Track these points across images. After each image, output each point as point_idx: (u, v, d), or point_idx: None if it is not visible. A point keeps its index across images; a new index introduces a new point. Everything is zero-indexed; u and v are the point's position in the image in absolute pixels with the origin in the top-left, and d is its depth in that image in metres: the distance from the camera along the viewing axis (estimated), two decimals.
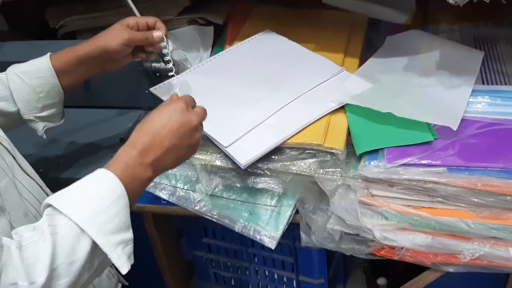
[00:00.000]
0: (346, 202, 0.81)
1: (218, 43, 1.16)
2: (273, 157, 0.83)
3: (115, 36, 0.80)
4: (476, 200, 0.75)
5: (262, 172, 0.83)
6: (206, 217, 0.88)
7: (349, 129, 0.86)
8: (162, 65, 1.01)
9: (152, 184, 0.91)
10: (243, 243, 1.07)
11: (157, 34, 0.82)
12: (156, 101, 1.03)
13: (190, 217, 1.00)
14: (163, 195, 0.90)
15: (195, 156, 0.83)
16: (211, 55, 1.13)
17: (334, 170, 0.82)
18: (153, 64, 1.02)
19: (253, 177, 0.84)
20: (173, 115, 0.65)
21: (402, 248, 0.78)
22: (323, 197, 0.84)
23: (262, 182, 0.84)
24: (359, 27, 1.13)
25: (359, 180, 0.81)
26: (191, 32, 1.15)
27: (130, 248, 0.58)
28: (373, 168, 0.79)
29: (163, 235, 1.11)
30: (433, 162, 0.77)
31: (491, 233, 0.74)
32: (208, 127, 0.77)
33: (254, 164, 0.82)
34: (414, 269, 0.84)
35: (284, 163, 0.82)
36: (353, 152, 0.84)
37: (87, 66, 0.82)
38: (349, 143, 0.85)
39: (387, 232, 0.78)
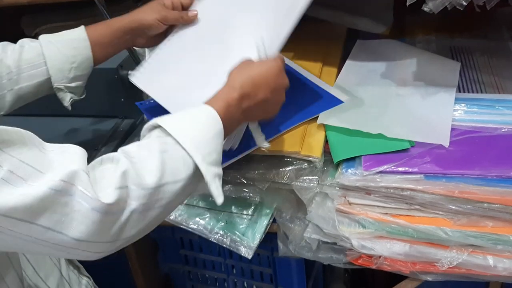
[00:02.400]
0: (324, 211, 0.80)
1: None
2: (249, 165, 0.81)
3: (151, 12, 0.83)
4: (453, 207, 0.74)
5: (239, 181, 0.81)
6: (182, 227, 0.86)
7: (327, 137, 0.86)
8: None
9: None
10: (221, 254, 1.05)
11: (192, 13, 0.85)
12: (132, 110, 1.02)
13: (166, 228, 0.98)
14: None
15: None
16: None
17: (311, 178, 0.81)
18: (129, 72, 1.00)
19: (229, 185, 0.83)
20: (273, 70, 0.69)
21: (380, 256, 0.77)
22: (301, 205, 0.83)
23: (239, 191, 0.83)
24: (338, 37, 1.14)
25: (337, 188, 0.80)
26: None
27: (221, 182, 0.61)
28: (350, 175, 0.78)
29: (138, 248, 1.09)
30: (410, 170, 0.76)
31: (469, 241, 0.73)
32: None
33: (230, 173, 0.80)
34: (394, 280, 0.83)
35: (261, 171, 0.81)
36: (330, 160, 0.83)
37: (120, 40, 0.84)
38: (327, 151, 0.85)
39: (364, 240, 0.77)
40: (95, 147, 0.98)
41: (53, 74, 0.80)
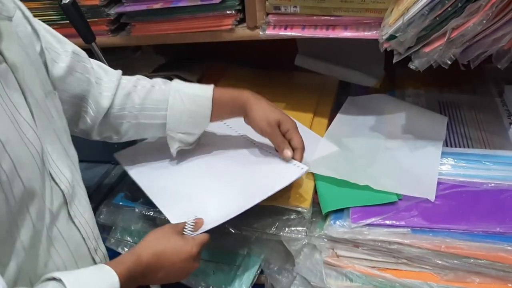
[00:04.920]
0: (311, 263, 0.80)
1: None
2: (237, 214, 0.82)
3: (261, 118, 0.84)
4: (440, 262, 0.74)
5: (226, 230, 0.81)
6: None
7: (316, 187, 0.86)
8: None
9: (113, 241, 0.89)
10: None
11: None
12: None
13: None
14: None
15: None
16: None
17: (299, 229, 0.81)
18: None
19: (217, 235, 0.83)
20: (186, 256, 0.70)
21: None
22: (289, 257, 0.82)
23: (226, 241, 0.83)
24: (330, 89, 1.16)
25: (325, 239, 0.80)
26: None
27: None
28: (338, 227, 0.78)
29: None
30: (397, 223, 0.77)
31: None
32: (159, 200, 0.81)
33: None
34: None
35: (249, 221, 0.81)
36: (319, 211, 0.83)
37: (237, 113, 0.86)
38: (316, 202, 0.85)
39: None
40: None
41: (169, 121, 0.83)
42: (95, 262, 0.69)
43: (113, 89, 0.82)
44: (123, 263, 0.64)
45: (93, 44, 0.95)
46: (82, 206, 0.69)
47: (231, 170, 0.86)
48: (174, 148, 0.86)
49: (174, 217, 0.78)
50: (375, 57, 1.18)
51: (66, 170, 0.66)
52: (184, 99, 0.83)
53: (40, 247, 0.59)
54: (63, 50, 0.76)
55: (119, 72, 0.86)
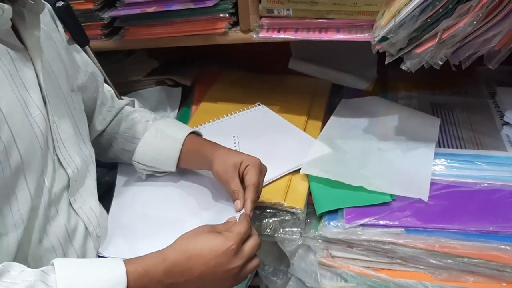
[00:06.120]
0: (306, 264, 0.80)
1: (185, 103, 1.17)
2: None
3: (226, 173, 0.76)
4: (434, 262, 0.74)
5: None
6: None
7: (310, 189, 0.87)
8: None
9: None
10: None
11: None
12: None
13: None
14: None
15: None
16: (177, 115, 1.14)
17: (294, 230, 0.81)
18: None
19: None
20: (218, 254, 0.60)
21: None
22: (283, 258, 0.83)
23: None
24: (323, 92, 1.17)
25: (319, 240, 0.80)
26: (159, 92, 1.18)
27: None
28: (332, 228, 0.78)
29: None
30: (391, 223, 0.77)
31: None
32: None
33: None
34: None
35: None
36: (313, 212, 0.84)
37: (205, 166, 0.81)
38: (310, 203, 0.85)
39: None
40: None
41: (137, 152, 0.85)
42: (95, 248, 0.71)
43: (111, 115, 0.87)
44: (142, 259, 0.59)
45: (86, 47, 0.95)
46: (88, 195, 0.72)
47: (184, 205, 0.83)
48: (139, 170, 0.87)
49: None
50: (368, 60, 1.19)
51: (77, 157, 0.69)
52: (158, 135, 0.84)
53: (36, 223, 0.61)
54: (83, 68, 0.82)
55: (125, 102, 0.91)
